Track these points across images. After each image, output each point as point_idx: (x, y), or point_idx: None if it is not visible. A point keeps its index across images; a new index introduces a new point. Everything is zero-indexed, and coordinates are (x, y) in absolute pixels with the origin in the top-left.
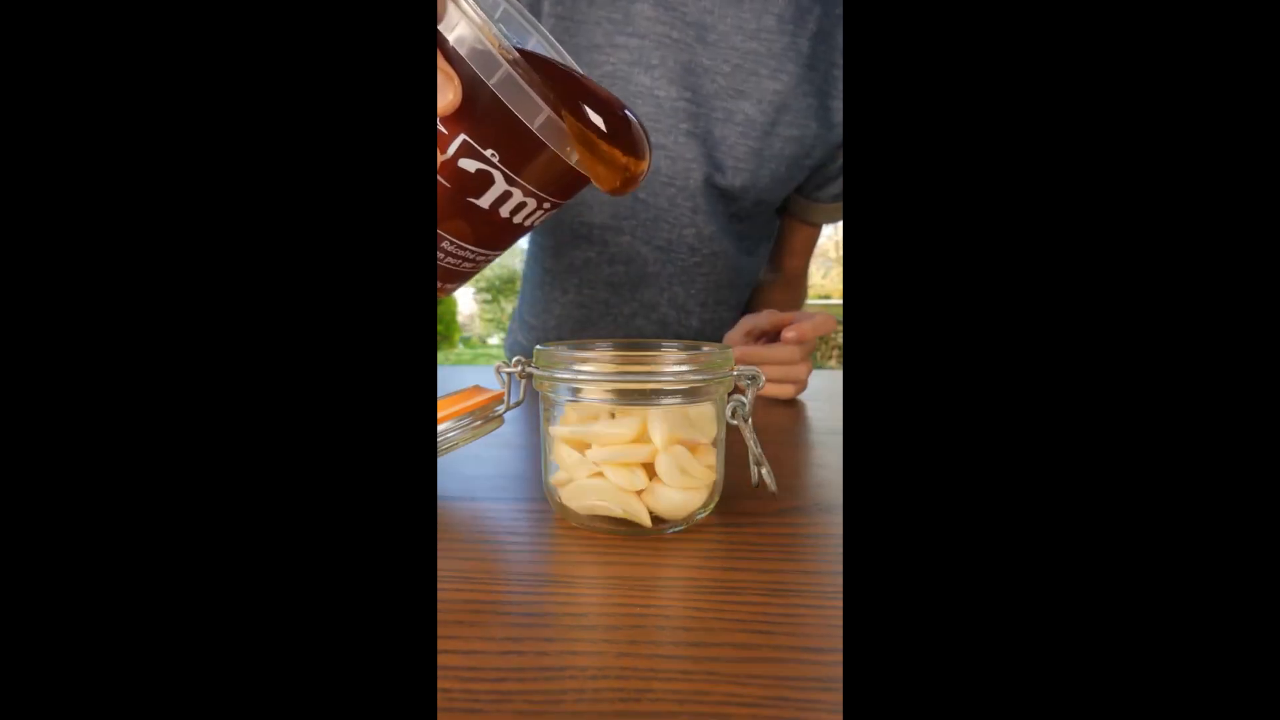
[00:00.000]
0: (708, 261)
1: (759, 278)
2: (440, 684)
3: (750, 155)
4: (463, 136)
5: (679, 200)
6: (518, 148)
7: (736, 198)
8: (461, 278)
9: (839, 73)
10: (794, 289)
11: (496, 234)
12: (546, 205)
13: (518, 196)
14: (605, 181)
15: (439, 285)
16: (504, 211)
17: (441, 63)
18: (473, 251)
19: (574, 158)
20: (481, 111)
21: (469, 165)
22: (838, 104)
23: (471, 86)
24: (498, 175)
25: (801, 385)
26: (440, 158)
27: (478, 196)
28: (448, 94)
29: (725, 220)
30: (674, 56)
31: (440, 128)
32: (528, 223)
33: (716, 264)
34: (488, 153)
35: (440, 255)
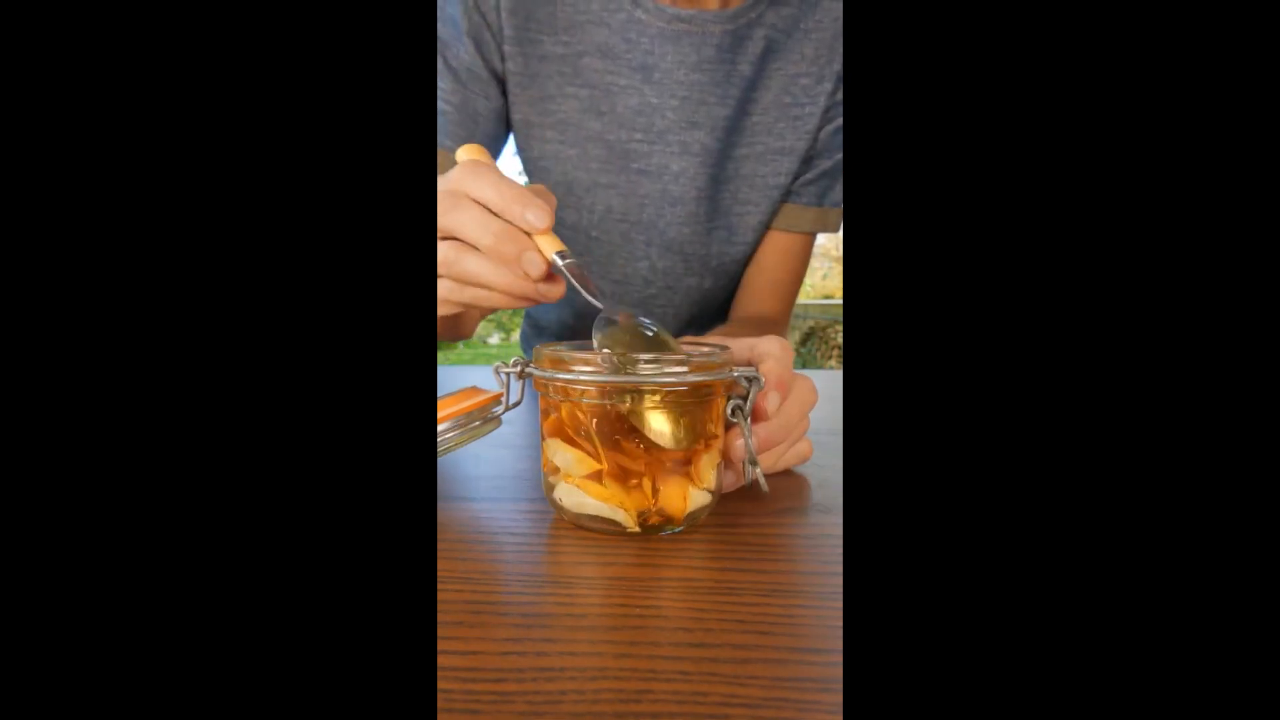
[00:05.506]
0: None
1: (724, 318)
2: (440, 684)
3: (709, 182)
4: None
5: (632, 234)
6: None
7: (701, 224)
8: None
9: (787, 97)
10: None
11: None
12: None
13: None
14: None
15: None
16: None
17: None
18: None
19: None
20: None
21: None
22: (785, 123)
23: None
24: None
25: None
26: None
27: None
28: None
29: (685, 260)
30: (622, 101)
31: None
32: None
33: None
34: None
35: None
